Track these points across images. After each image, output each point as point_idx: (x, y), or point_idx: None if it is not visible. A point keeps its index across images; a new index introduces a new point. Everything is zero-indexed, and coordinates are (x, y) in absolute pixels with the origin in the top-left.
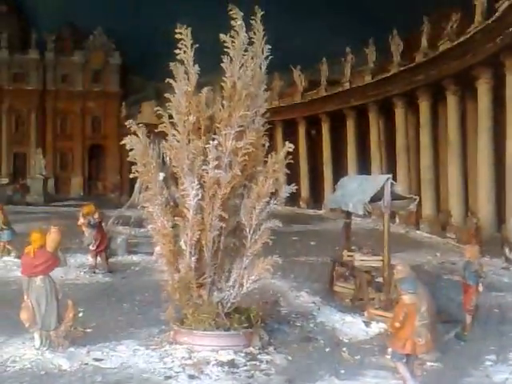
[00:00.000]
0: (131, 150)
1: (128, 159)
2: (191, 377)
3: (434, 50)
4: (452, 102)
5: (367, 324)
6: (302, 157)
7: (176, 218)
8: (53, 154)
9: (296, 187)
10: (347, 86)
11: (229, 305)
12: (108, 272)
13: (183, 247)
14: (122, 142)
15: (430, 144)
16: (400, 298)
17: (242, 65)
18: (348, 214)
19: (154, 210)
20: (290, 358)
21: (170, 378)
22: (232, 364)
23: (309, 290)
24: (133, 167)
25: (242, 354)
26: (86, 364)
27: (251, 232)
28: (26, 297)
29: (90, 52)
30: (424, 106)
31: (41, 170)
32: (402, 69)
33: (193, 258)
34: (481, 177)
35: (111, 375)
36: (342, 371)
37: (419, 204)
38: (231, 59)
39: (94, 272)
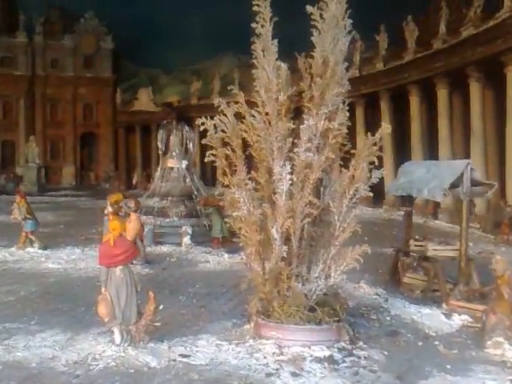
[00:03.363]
0: (205, 131)
1: (203, 141)
2: (294, 374)
3: (451, 37)
4: (475, 89)
5: (448, 316)
6: None
7: (264, 205)
8: (43, 142)
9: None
10: (357, 73)
11: (314, 297)
12: (146, 263)
13: (275, 236)
14: (202, 121)
15: (448, 134)
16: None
17: (333, 39)
18: (409, 203)
19: (241, 195)
20: (385, 353)
21: (271, 375)
22: (331, 360)
23: (366, 281)
24: (208, 152)
25: (335, 350)
26: (174, 361)
27: (340, 219)
28: (103, 289)
29: (81, 36)
30: (442, 94)
31: (34, 158)
32: (418, 56)
33: (284, 247)
34: (510, 165)
35: (206, 372)
36: (448, 366)
37: None
38: (320, 33)
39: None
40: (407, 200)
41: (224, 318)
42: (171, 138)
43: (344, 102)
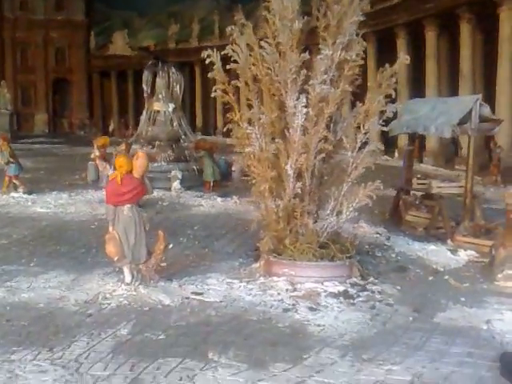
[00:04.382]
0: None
1: (209, 75)
2: (312, 309)
3: None
4: (466, 30)
5: (453, 252)
6: None
7: (277, 141)
8: (13, 88)
9: None
10: None
11: (325, 234)
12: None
13: (289, 172)
14: (208, 52)
15: (435, 76)
16: None
17: None
18: (412, 141)
19: (253, 131)
20: (398, 287)
21: (288, 310)
22: (347, 295)
23: (365, 220)
24: (215, 86)
25: (348, 285)
26: (187, 298)
27: (354, 155)
28: (111, 228)
29: None
30: (430, 37)
31: (6, 104)
32: None
33: (298, 184)
34: (500, 107)
35: (222, 309)
36: (463, 299)
37: (423, 137)
38: None
39: None
40: (410, 138)
41: (229, 257)
42: (157, 79)
43: (357, 34)
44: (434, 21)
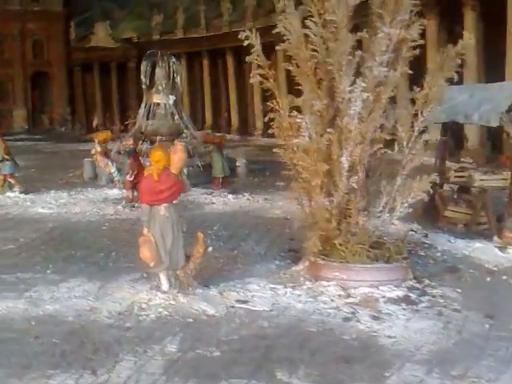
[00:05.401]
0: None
1: (247, 59)
2: (375, 318)
3: None
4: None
5: (502, 250)
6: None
7: (329, 130)
8: None
9: None
10: None
11: (375, 233)
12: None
13: (344, 165)
14: (246, 34)
15: None
16: None
17: None
18: (445, 131)
19: (304, 119)
20: (458, 290)
21: (349, 319)
22: (409, 301)
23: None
24: (254, 71)
25: (405, 289)
26: (233, 307)
27: (409, 146)
28: (145, 230)
29: None
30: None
31: None
32: None
33: (353, 178)
34: None
35: (274, 318)
36: None
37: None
38: None
39: (134, 206)
40: (443, 128)
41: (262, 259)
42: (156, 70)
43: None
44: None
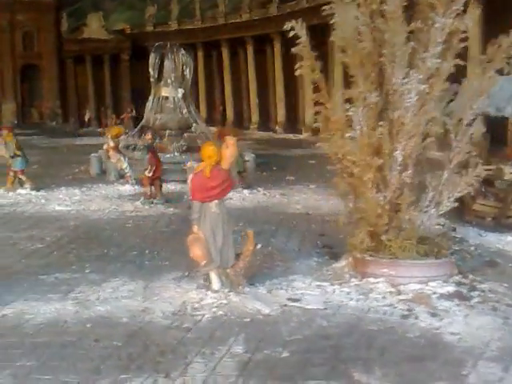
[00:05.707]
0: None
1: (293, 50)
2: (433, 315)
3: None
4: None
5: None
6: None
7: (381, 123)
8: None
9: None
10: None
11: (422, 228)
12: (165, 202)
13: (398, 159)
14: (292, 24)
15: None
16: None
17: None
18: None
19: (356, 112)
20: (505, 285)
21: (407, 316)
22: (461, 296)
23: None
24: (299, 62)
25: (453, 284)
26: (286, 306)
27: (458, 139)
28: (195, 228)
29: None
30: None
31: None
32: None
33: (406, 173)
34: None
35: (331, 317)
36: None
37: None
38: None
39: (152, 202)
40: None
41: (299, 256)
42: (165, 62)
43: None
44: None
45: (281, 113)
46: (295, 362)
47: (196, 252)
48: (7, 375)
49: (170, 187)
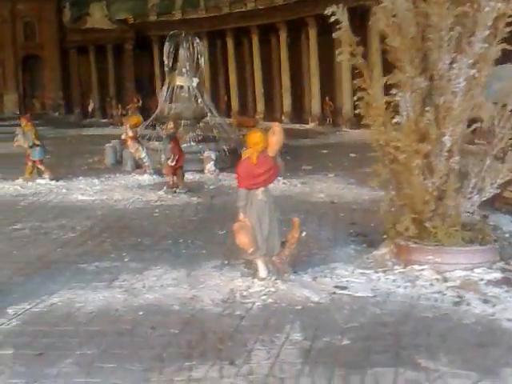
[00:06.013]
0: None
1: (334, 35)
2: (485, 301)
3: None
4: None
5: None
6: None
7: (427, 109)
8: None
9: None
10: None
11: (464, 214)
12: (188, 191)
13: (447, 145)
14: (333, 9)
15: None
16: None
17: None
18: None
19: (403, 97)
20: None
21: (459, 303)
22: (509, 283)
23: None
24: (339, 49)
25: (499, 271)
26: (334, 294)
27: (500, 125)
28: (241, 216)
29: None
30: None
31: None
32: None
33: (453, 159)
34: None
35: (382, 305)
36: None
37: None
38: None
39: (175, 192)
40: None
41: (336, 244)
42: (180, 51)
43: None
44: None
45: (287, 103)
46: (358, 350)
47: (243, 239)
48: (70, 364)
49: (188, 177)
